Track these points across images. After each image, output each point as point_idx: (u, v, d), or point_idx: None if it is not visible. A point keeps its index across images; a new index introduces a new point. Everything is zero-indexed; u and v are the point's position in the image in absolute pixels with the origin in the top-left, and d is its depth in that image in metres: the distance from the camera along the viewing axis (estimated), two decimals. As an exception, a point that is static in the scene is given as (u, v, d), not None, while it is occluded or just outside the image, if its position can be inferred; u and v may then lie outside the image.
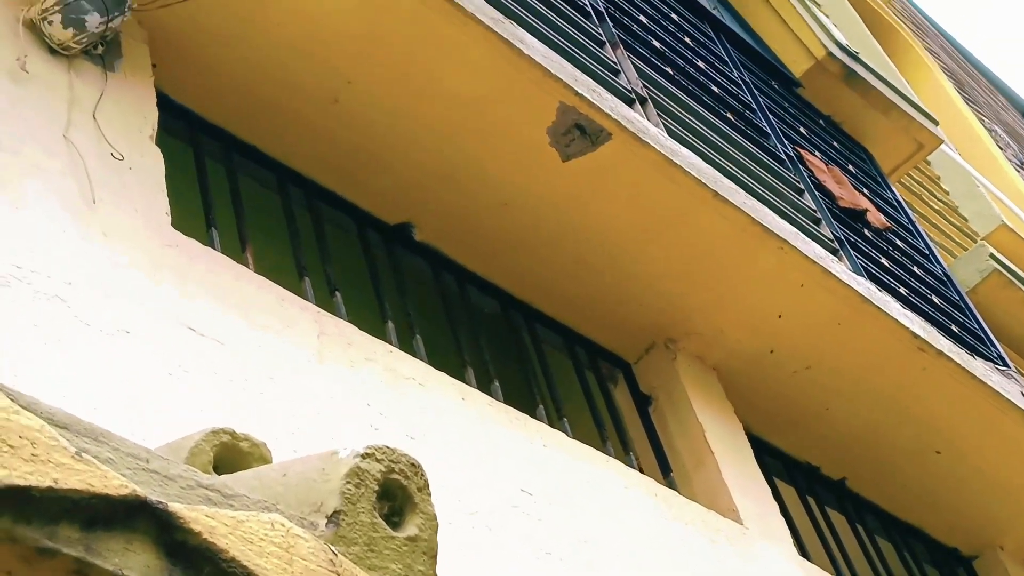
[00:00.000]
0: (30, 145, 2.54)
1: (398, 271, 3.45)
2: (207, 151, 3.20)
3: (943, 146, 6.36)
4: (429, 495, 1.45)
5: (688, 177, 3.68)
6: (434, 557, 1.43)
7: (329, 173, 3.42)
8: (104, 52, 2.82)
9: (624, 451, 3.61)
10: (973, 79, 11.13)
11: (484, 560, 2.65)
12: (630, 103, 3.94)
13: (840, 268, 4.09)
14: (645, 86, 4.17)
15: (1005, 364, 4.87)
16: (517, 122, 3.45)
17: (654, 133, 3.69)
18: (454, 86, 3.36)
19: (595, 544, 2.98)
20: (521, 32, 3.43)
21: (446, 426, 2.87)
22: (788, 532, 3.70)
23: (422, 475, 1.45)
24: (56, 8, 2.73)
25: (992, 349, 4.95)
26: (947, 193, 7.21)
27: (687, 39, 4.89)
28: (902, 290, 4.70)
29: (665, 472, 3.67)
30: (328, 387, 2.67)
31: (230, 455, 1.59)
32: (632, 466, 3.48)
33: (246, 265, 2.87)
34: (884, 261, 4.80)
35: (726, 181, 3.86)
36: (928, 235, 5.73)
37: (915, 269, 5.03)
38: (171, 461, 1.28)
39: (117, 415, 2.18)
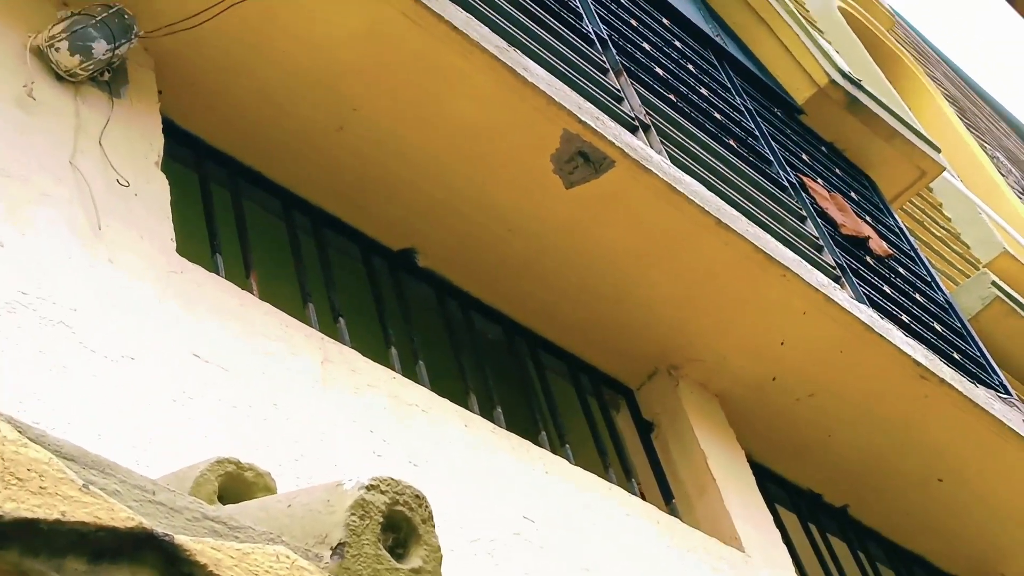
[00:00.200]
0: (37, 171, 2.55)
1: (402, 297, 3.46)
2: (212, 177, 3.21)
3: (945, 173, 6.38)
4: (433, 527, 1.45)
5: (691, 204, 3.69)
6: (438, 588, 1.43)
7: (334, 200, 3.43)
8: (110, 79, 2.83)
9: (626, 478, 3.61)
10: (975, 106, 11.16)
11: (486, 588, 2.65)
12: (633, 130, 3.96)
13: (842, 296, 4.10)
14: (648, 113, 4.19)
15: (1007, 392, 4.87)
16: (521, 149, 3.47)
17: (657, 160, 3.70)
18: (459, 113, 3.37)
19: (597, 571, 2.97)
20: (525, 60, 3.45)
21: (449, 453, 2.88)
22: (790, 560, 3.70)
23: (426, 507, 1.46)
24: (63, 35, 2.75)
25: (994, 377, 4.95)
26: (949, 220, 7.22)
27: (690, 66, 4.91)
28: (904, 318, 4.71)
29: (667, 499, 3.67)
30: (332, 413, 2.68)
31: (235, 485, 1.59)
32: (634, 493, 3.48)
33: (251, 291, 2.88)
34: (886, 288, 4.80)
35: (729, 208, 3.87)
36: (930, 262, 5.74)
37: (917, 296, 5.04)
38: (177, 493, 1.29)
39: (121, 441, 2.19)
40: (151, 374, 2.38)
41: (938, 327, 4.92)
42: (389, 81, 3.29)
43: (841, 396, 4.13)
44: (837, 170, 5.47)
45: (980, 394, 4.41)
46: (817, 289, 3.96)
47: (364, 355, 2.90)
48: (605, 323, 3.82)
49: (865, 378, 4.11)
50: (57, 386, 2.21)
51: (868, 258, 4.91)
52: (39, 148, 2.60)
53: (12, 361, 2.17)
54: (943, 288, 5.43)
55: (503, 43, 3.40)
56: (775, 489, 4.18)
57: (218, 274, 2.83)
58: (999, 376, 4.99)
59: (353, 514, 1.37)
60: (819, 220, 4.76)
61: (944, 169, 5.98)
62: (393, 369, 3.02)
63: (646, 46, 4.67)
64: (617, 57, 4.33)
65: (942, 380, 4.22)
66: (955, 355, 4.81)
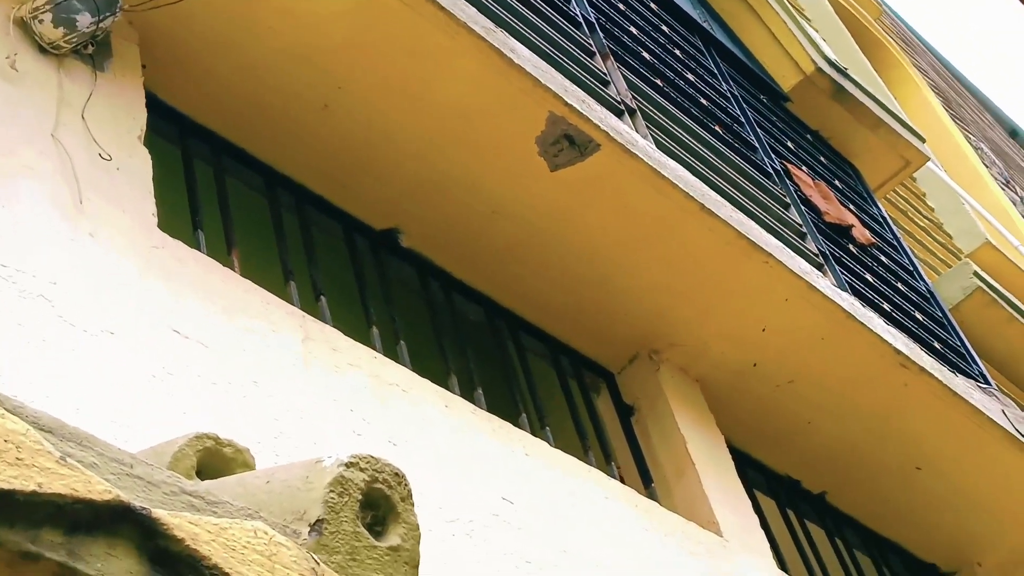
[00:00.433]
0: (18, 144, 2.53)
1: (384, 277, 3.45)
2: (195, 153, 3.20)
3: (929, 163, 6.39)
4: (412, 505, 1.45)
5: (675, 189, 3.69)
6: (416, 567, 1.43)
7: (317, 178, 3.42)
8: (94, 52, 2.82)
9: (606, 461, 3.62)
10: (960, 97, 11.18)
11: (464, 569, 2.65)
12: (619, 114, 3.95)
13: (825, 283, 4.11)
14: (634, 97, 4.18)
15: (986, 382, 4.89)
16: (506, 131, 3.46)
17: (642, 145, 3.70)
18: (444, 94, 3.36)
19: (575, 554, 2.98)
20: (512, 42, 3.44)
21: (429, 433, 2.88)
22: (768, 545, 3.71)
23: (406, 485, 1.45)
24: (47, 7, 2.73)
25: (974, 367, 4.97)
26: (932, 210, 7.24)
27: (677, 51, 4.90)
28: (886, 306, 4.72)
29: (646, 483, 3.68)
30: (312, 392, 2.67)
31: (213, 460, 1.59)
32: (613, 476, 3.48)
33: (232, 268, 2.87)
34: (868, 277, 4.81)
35: (713, 194, 3.87)
36: (913, 252, 5.75)
37: (899, 285, 5.05)
38: (155, 467, 1.28)
39: (100, 416, 2.18)
40: (131, 349, 2.37)
41: (919, 316, 4.94)
42: (375, 60, 3.28)
43: (822, 383, 4.14)
44: (822, 158, 5.47)
45: (960, 383, 4.42)
46: (800, 276, 3.97)
47: (345, 334, 2.90)
48: (587, 306, 3.82)
49: (846, 365, 4.12)
50: (35, 360, 2.20)
51: (851, 246, 4.92)
52: (21, 121, 2.58)
53: (-9, 334, 2.16)
54: (925, 277, 5.45)
55: (490, 24, 3.39)
56: (754, 475, 4.19)
57: (200, 250, 2.82)
58: (979, 366, 5.01)
59: (332, 491, 1.37)
60: (803, 207, 4.77)
61: (928, 159, 5.98)
62: (374, 349, 3.02)
63: (633, 30, 4.66)
64: (604, 40, 4.32)
65: (922, 369, 4.23)
66: (936, 344, 4.82)
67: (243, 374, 2.55)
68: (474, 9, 3.39)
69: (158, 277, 2.57)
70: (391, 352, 3.10)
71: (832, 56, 5.78)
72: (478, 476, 2.90)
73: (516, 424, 3.24)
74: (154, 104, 2.99)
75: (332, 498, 1.36)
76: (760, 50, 5.75)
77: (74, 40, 2.75)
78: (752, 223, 3.97)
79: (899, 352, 4.18)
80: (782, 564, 3.83)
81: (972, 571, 4.69)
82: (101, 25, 2.78)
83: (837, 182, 5.37)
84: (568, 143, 3.51)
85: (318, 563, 1.29)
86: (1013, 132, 12.45)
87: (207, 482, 1.47)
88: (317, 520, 1.35)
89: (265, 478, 1.44)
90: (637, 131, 3.93)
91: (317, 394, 2.67)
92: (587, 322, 3.85)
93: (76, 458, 1.19)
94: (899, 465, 4.40)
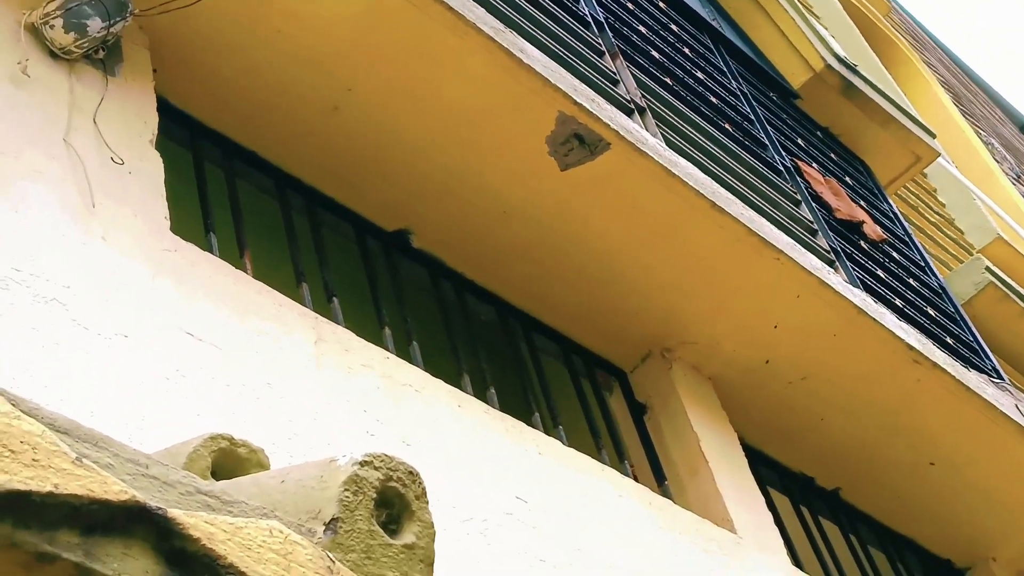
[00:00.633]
0: (31, 149, 2.54)
1: (396, 278, 3.45)
2: (207, 156, 3.21)
3: (940, 159, 6.38)
4: (427, 503, 1.45)
5: (686, 187, 3.69)
6: (431, 565, 1.44)
7: (328, 179, 3.43)
8: (105, 57, 2.83)
9: (619, 460, 3.62)
10: (971, 92, 11.16)
11: (479, 568, 2.66)
12: (629, 113, 3.95)
13: (836, 279, 4.10)
14: (644, 96, 4.18)
15: (999, 377, 4.88)
16: (516, 131, 3.46)
17: (652, 143, 3.70)
18: (454, 94, 3.37)
19: (589, 552, 2.98)
20: (521, 42, 3.44)
21: (442, 433, 2.88)
22: (782, 542, 3.71)
23: (420, 483, 1.46)
24: (58, 12, 2.74)
25: (987, 361, 4.96)
26: (943, 206, 7.22)
27: (686, 50, 4.90)
28: (898, 302, 4.71)
29: (660, 481, 3.68)
30: (325, 393, 2.68)
31: (228, 461, 1.59)
32: (627, 475, 3.48)
33: (244, 270, 2.88)
34: (880, 273, 4.81)
35: (723, 191, 3.87)
36: (924, 247, 5.74)
37: (911, 281, 5.04)
38: (170, 467, 1.29)
39: (115, 419, 2.19)
40: (144, 352, 2.38)
41: (931, 312, 4.93)
42: (384, 61, 3.28)
43: (834, 380, 4.13)
44: (832, 155, 5.47)
45: (973, 379, 4.42)
46: (811, 273, 3.96)
47: (358, 335, 2.90)
48: (599, 305, 3.82)
49: (858, 362, 4.12)
50: (50, 363, 2.21)
51: (862, 242, 4.92)
52: (33, 125, 2.60)
53: (5, 338, 2.17)
54: (937, 273, 5.44)
55: (499, 24, 3.40)
56: (767, 472, 4.18)
57: (212, 253, 2.82)
58: (992, 361, 5.00)
59: (347, 490, 1.37)
60: (814, 204, 4.76)
61: (939, 155, 5.98)
62: (387, 349, 3.02)
63: (642, 29, 4.66)
64: (613, 40, 4.32)
65: (935, 364, 4.23)
66: (948, 340, 4.81)
67: (256, 376, 2.56)
68: (483, 10, 3.39)
69: (171, 280, 2.57)
70: (403, 353, 3.11)
71: (841, 53, 5.77)
72: (491, 475, 2.91)
73: (529, 423, 3.25)
74: (165, 108, 3.00)
75: (347, 497, 1.37)
76: (769, 48, 5.75)
77: (85, 45, 2.76)
78: (763, 220, 3.97)
79: (911, 348, 4.17)
80: (796, 561, 3.83)
81: (987, 566, 4.68)
82: (112, 30, 2.79)
83: (848, 178, 5.36)
84: (578, 142, 3.51)
85: (333, 561, 1.30)
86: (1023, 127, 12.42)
87: (222, 482, 1.47)
88: (332, 519, 1.35)
89: (280, 478, 1.45)
90: (647, 130, 3.93)
91: (330, 395, 2.68)
92: (599, 321, 3.85)
93: (92, 459, 1.19)
94: (913, 461, 4.39)
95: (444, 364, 3.28)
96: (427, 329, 3.44)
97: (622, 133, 3.56)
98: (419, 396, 2.90)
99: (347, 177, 3.44)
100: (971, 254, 6.63)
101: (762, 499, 3.79)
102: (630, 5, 4.77)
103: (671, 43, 4.81)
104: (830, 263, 4.40)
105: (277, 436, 2.45)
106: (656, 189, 3.66)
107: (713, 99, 4.70)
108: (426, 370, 3.04)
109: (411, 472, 1.44)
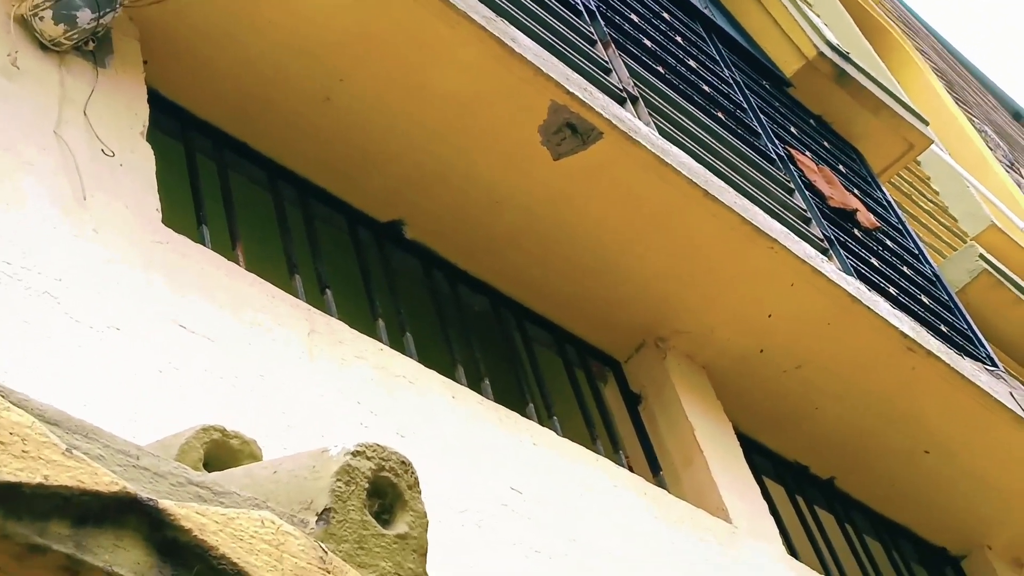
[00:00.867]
0: (21, 141, 2.53)
1: (389, 269, 3.45)
2: (198, 148, 3.20)
3: (933, 146, 6.38)
4: (419, 493, 1.45)
5: (679, 176, 3.69)
6: (424, 555, 1.43)
7: (320, 170, 3.42)
8: (95, 48, 2.82)
9: (614, 450, 3.62)
10: (963, 79, 11.16)
11: (473, 558, 2.66)
12: (621, 102, 3.95)
13: (830, 268, 4.10)
14: (636, 85, 4.18)
15: (994, 364, 4.89)
16: (508, 120, 3.46)
17: (645, 132, 3.69)
18: (446, 84, 3.36)
19: (584, 542, 2.98)
20: (513, 31, 3.43)
21: (436, 424, 2.88)
22: (777, 531, 3.71)
23: (412, 473, 1.45)
24: (47, 4, 2.72)
25: (981, 349, 4.96)
26: (937, 193, 7.23)
27: (678, 38, 4.90)
28: (892, 290, 4.71)
29: (655, 471, 3.68)
30: (318, 385, 2.67)
31: (220, 452, 1.59)
32: (622, 464, 3.48)
33: (237, 262, 2.87)
34: (874, 261, 4.81)
35: (717, 180, 3.87)
36: (918, 235, 5.74)
37: (905, 269, 5.04)
38: (161, 458, 1.28)
39: (107, 412, 2.18)
40: (136, 345, 2.37)
41: (925, 300, 4.93)
42: (376, 51, 3.27)
43: (828, 368, 4.13)
44: (825, 143, 5.47)
45: (967, 366, 4.42)
46: (805, 261, 3.96)
47: (351, 326, 2.90)
48: (592, 295, 3.81)
49: (852, 350, 4.12)
50: (42, 357, 2.20)
51: (856, 231, 4.92)
52: (23, 118, 2.58)
53: (-4, 331, 2.16)
54: (930, 261, 5.44)
55: (490, 13, 3.39)
56: (762, 461, 4.19)
57: (204, 245, 2.82)
58: (986, 348, 5.01)
59: (339, 480, 1.37)
60: (807, 192, 4.76)
61: (932, 142, 5.97)
62: (380, 341, 3.02)
63: (634, 18, 4.66)
64: (605, 29, 4.32)
65: (929, 352, 4.23)
66: (942, 327, 4.82)
67: (249, 368, 2.55)
68: (474, -1, 3.38)
69: (163, 272, 2.57)
70: (397, 344, 3.10)
71: (834, 40, 5.77)
72: (486, 466, 2.90)
73: (523, 414, 3.24)
74: (156, 99, 2.99)
75: (339, 487, 1.36)
76: (761, 36, 5.75)
77: (75, 37, 2.75)
78: (756, 209, 3.97)
79: (906, 336, 4.17)
80: (791, 550, 3.83)
81: (982, 553, 4.69)
82: (101, 21, 2.78)
83: (841, 167, 5.36)
84: (570, 131, 3.50)
85: (326, 552, 1.29)
86: (1017, 114, 12.43)
87: (214, 473, 1.47)
88: (324, 509, 1.35)
89: (272, 468, 1.44)
90: (639, 119, 3.93)
91: (324, 387, 2.68)
92: (593, 311, 3.85)
93: (82, 450, 1.19)
94: (907, 449, 4.40)
95: (438, 355, 3.28)
96: (421, 320, 3.43)
97: (614, 122, 3.55)
98: (413, 387, 2.90)
99: (340, 168, 3.43)
100: (965, 242, 6.64)
101: (757, 488, 3.79)
102: (622, -6, 4.77)
103: (663, 31, 4.80)
104: (824, 251, 4.40)
105: (270, 428, 2.44)
106: (649, 178, 3.65)
107: (706, 88, 4.70)
108: (420, 361, 3.03)
109: (403, 462, 1.44)
